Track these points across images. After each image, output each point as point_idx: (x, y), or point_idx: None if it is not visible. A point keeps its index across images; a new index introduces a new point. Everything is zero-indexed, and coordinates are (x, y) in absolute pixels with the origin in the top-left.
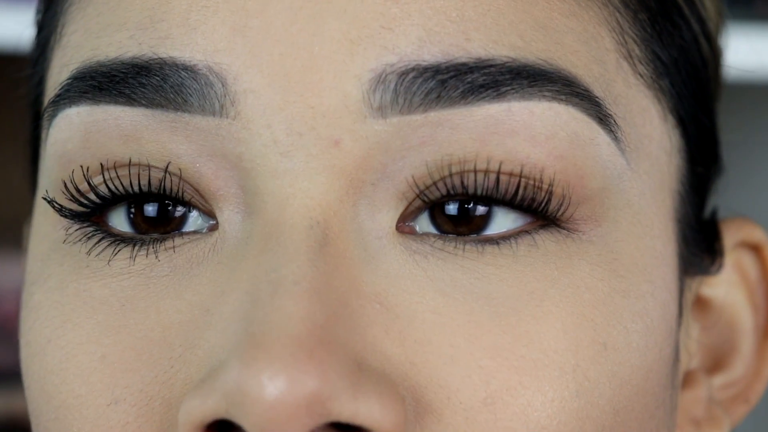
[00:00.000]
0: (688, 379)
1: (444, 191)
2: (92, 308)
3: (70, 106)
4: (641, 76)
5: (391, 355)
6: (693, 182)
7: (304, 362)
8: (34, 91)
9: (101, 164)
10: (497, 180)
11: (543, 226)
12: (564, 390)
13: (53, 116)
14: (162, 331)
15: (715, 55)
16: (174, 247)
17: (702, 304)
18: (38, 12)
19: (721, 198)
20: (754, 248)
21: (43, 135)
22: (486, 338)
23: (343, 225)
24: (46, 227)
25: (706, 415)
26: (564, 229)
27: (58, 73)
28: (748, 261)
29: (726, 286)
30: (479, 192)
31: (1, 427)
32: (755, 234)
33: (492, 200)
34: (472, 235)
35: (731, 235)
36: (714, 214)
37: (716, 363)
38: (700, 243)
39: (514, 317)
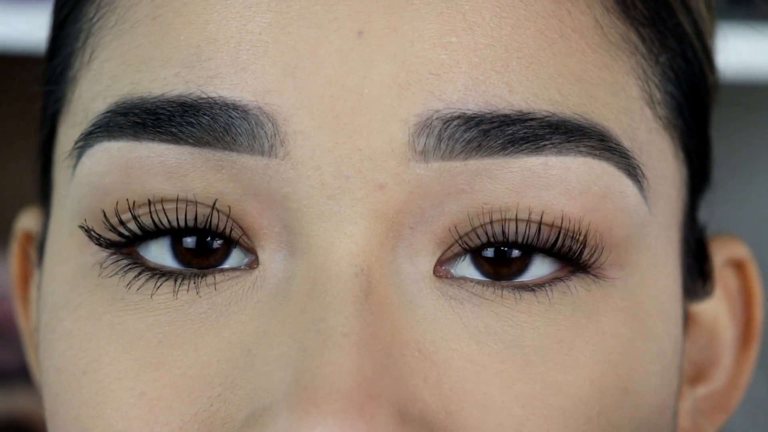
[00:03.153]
0: None
1: (484, 239)
2: (129, 343)
3: (109, 140)
4: (660, 119)
5: (430, 403)
6: (691, 209)
7: (355, 417)
8: (53, 107)
9: (148, 199)
10: (539, 229)
11: (573, 272)
12: None
13: (88, 146)
14: (201, 369)
15: (715, 78)
16: (215, 283)
17: (690, 319)
18: (55, 26)
19: (722, 199)
20: (736, 264)
21: (68, 161)
22: (517, 387)
23: (383, 270)
24: (72, 250)
25: (692, 425)
26: (592, 274)
27: (91, 99)
28: (729, 275)
29: (711, 300)
30: (520, 240)
31: (1, 427)
32: (739, 251)
33: (532, 248)
34: (508, 281)
35: (719, 254)
36: (702, 233)
37: (699, 374)
38: (695, 268)
39: (544, 366)
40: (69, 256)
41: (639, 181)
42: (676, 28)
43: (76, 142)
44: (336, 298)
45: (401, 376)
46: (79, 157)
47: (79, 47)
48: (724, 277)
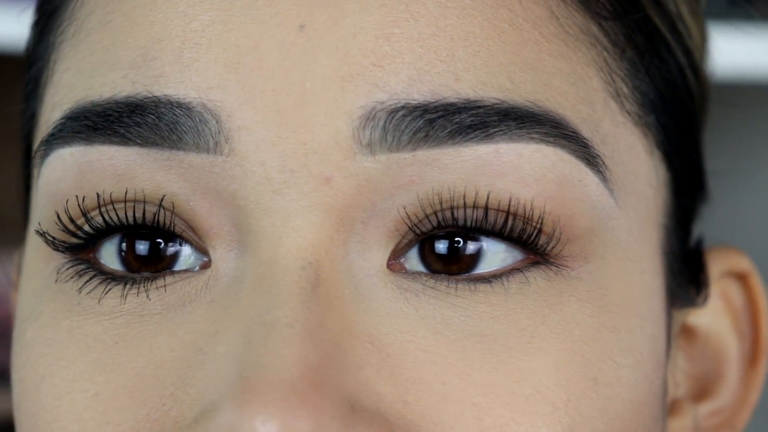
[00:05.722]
0: (674, 408)
1: (435, 223)
2: (86, 346)
3: (63, 147)
4: (628, 113)
5: (384, 394)
6: (678, 214)
7: (297, 406)
8: (26, 126)
9: (97, 194)
10: (486, 212)
11: (534, 264)
12: (557, 425)
13: (45, 155)
14: (154, 368)
15: (701, 85)
16: (165, 285)
17: (688, 333)
18: (30, 45)
19: (722, 199)
20: (740, 277)
21: (35, 172)
22: (478, 375)
23: (334, 264)
24: (37, 263)
25: None
26: (554, 265)
27: (50, 111)
28: (734, 289)
29: (712, 314)
30: (469, 224)
31: (1, 427)
32: (741, 263)
33: (482, 232)
34: (463, 274)
35: (717, 265)
36: (699, 244)
37: (702, 391)
38: (686, 274)
39: (506, 354)
40: (35, 270)
41: (601, 172)
42: (644, 24)
43: (36, 152)
44: (282, 290)
45: (350, 366)
46: (40, 168)
47: (44, 63)
48: (726, 291)
